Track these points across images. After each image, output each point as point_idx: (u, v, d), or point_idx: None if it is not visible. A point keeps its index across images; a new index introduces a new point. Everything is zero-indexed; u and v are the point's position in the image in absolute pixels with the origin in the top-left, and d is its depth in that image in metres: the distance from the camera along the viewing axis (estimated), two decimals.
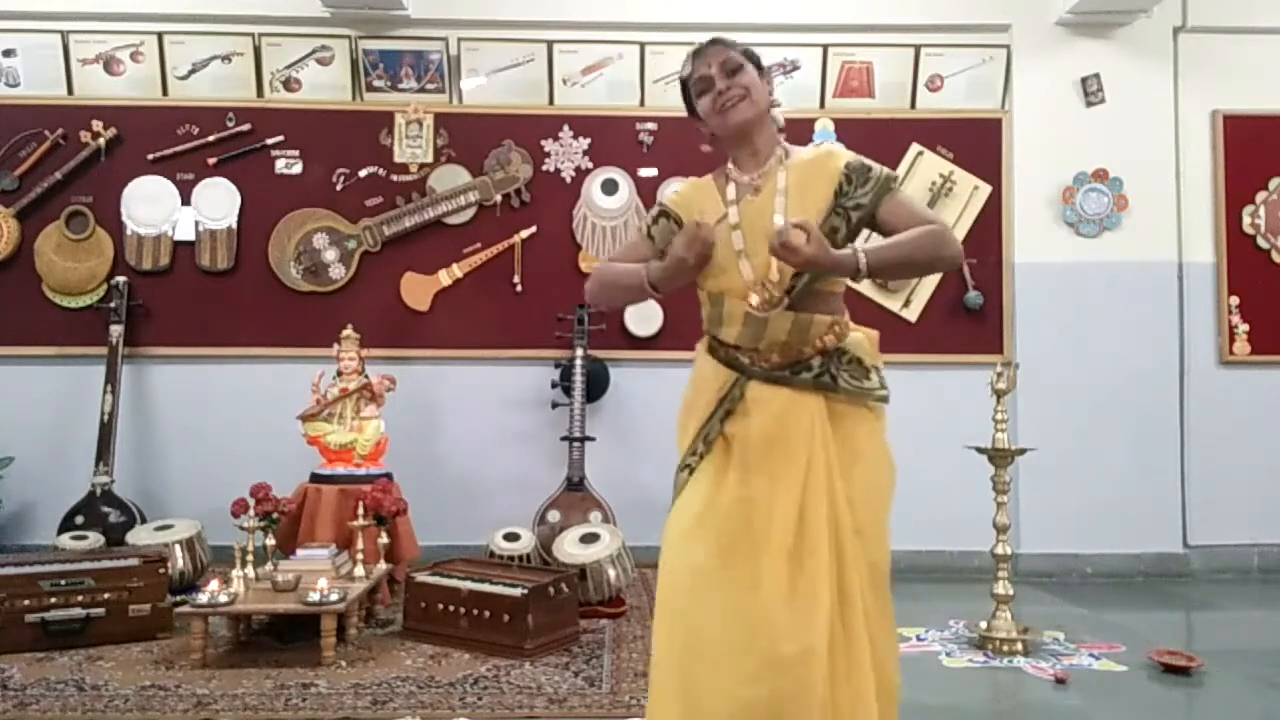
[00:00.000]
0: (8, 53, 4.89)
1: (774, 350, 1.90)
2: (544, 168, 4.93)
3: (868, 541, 1.86)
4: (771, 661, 1.73)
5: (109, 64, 4.90)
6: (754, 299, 1.88)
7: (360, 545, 3.63)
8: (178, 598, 3.63)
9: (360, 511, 3.71)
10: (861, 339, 2.01)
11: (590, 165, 4.93)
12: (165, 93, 4.90)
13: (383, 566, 3.75)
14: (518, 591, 3.35)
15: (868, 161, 1.97)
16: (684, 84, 2.03)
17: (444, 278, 4.90)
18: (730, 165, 2.01)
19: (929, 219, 1.90)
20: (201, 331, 4.86)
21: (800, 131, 4.93)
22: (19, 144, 4.84)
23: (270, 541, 3.64)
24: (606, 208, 4.90)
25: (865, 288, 4.91)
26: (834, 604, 1.78)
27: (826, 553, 1.80)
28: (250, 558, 3.49)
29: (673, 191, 2.11)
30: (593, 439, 4.54)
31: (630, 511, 4.46)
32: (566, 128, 4.93)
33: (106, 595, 3.43)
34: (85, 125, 4.84)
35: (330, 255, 4.88)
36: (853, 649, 1.79)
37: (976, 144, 4.96)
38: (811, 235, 1.74)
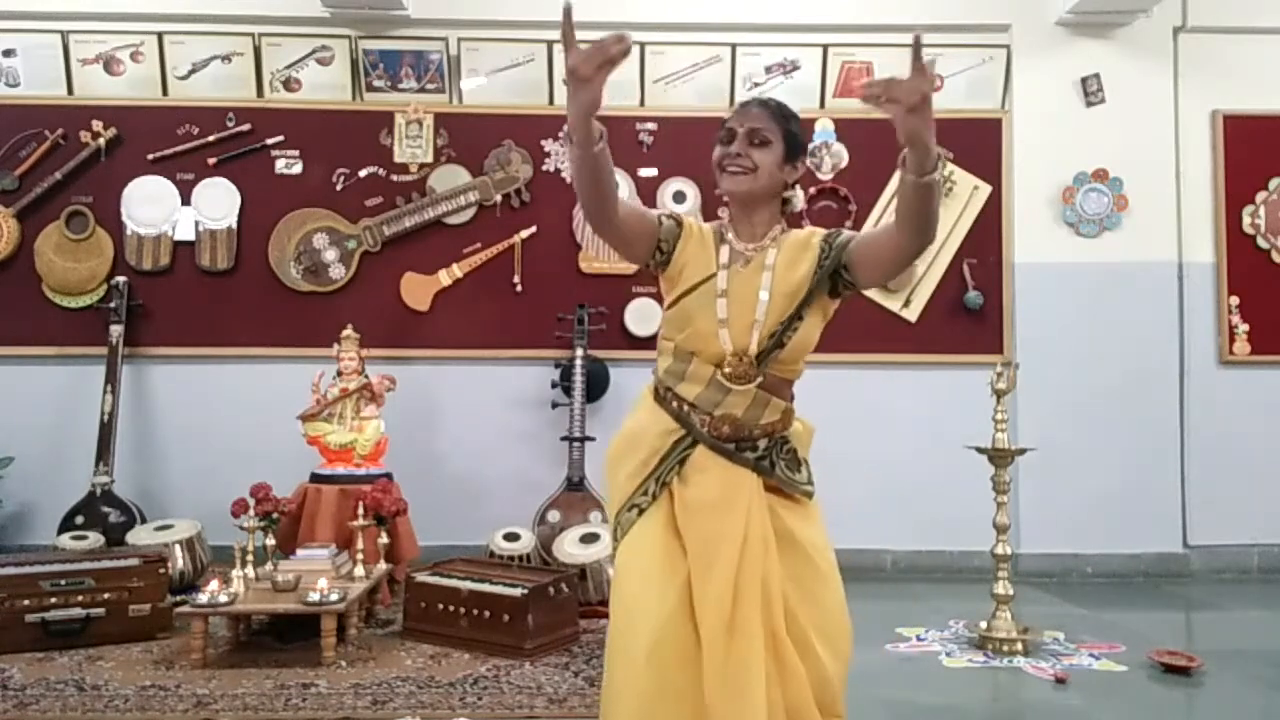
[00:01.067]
0: (8, 53, 4.89)
1: (726, 422, 1.88)
2: (544, 168, 4.93)
3: (833, 613, 1.86)
4: None
5: (109, 64, 4.90)
6: (729, 354, 1.88)
7: (360, 545, 3.63)
8: (178, 598, 3.63)
9: (360, 511, 3.71)
10: (800, 430, 1.98)
11: None
12: (165, 93, 4.90)
13: (383, 566, 3.75)
14: (518, 591, 3.35)
15: (841, 230, 1.96)
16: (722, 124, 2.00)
17: (444, 278, 4.90)
18: (729, 226, 1.97)
19: None
20: (201, 331, 4.86)
21: None
22: (19, 144, 4.84)
23: (270, 541, 3.64)
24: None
25: None
26: (774, 691, 1.76)
27: (759, 632, 1.78)
28: (250, 558, 3.49)
29: (688, 214, 2.08)
30: (593, 439, 4.54)
31: None
32: (566, 128, 4.92)
33: (106, 595, 3.44)
34: (85, 125, 4.84)
35: (330, 255, 4.88)
36: None
37: (976, 144, 4.97)
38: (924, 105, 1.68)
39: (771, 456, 1.90)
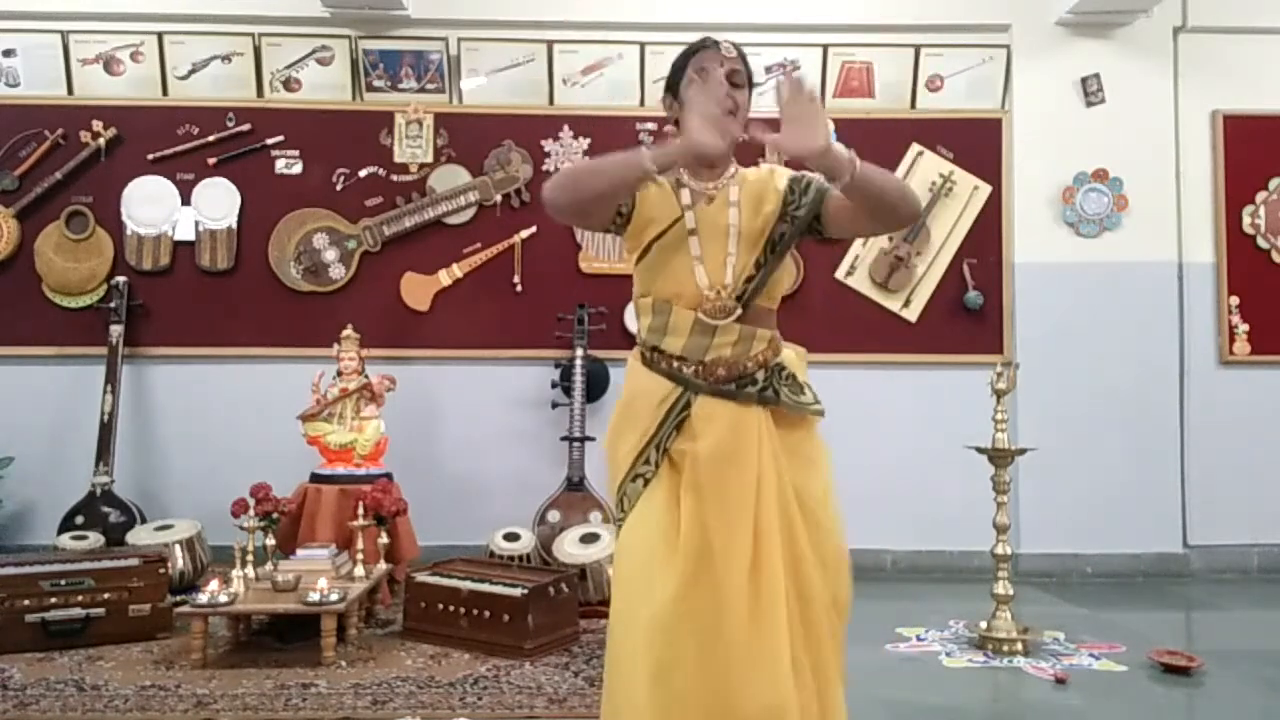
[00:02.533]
0: (8, 53, 4.89)
1: (719, 365, 1.89)
2: (544, 168, 4.93)
3: (834, 574, 1.88)
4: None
5: (109, 64, 4.90)
6: (706, 290, 1.89)
7: (360, 545, 3.63)
8: (178, 598, 3.63)
9: (360, 511, 3.71)
10: (793, 356, 2.00)
11: None
12: (165, 93, 4.90)
13: (383, 566, 3.75)
14: (518, 591, 3.35)
15: (808, 174, 1.97)
16: (683, 58, 1.97)
17: (444, 278, 4.90)
18: (683, 170, 1.96)
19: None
20: (201, 331, 4.85)
21: None
22: (19, 144, 4.84)
23: (270, 541, 3.64)
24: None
25: (866, 288, 4.92)
26: (798, 639, 1.79)
27: (782, 576, 1.80)
28: (250, 558, 3.49)
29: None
30: (593, 439, 4.54)
31: None
32: (566, 128, 4.93)
33: (106, 595, 3.44)
34: (85, 125, 4.84)
35: (330, 255, 4.88)
36: (824, 684, 1.81)
37: (976, 144, 4.96)
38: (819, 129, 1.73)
39: (773, 385, 1.91)
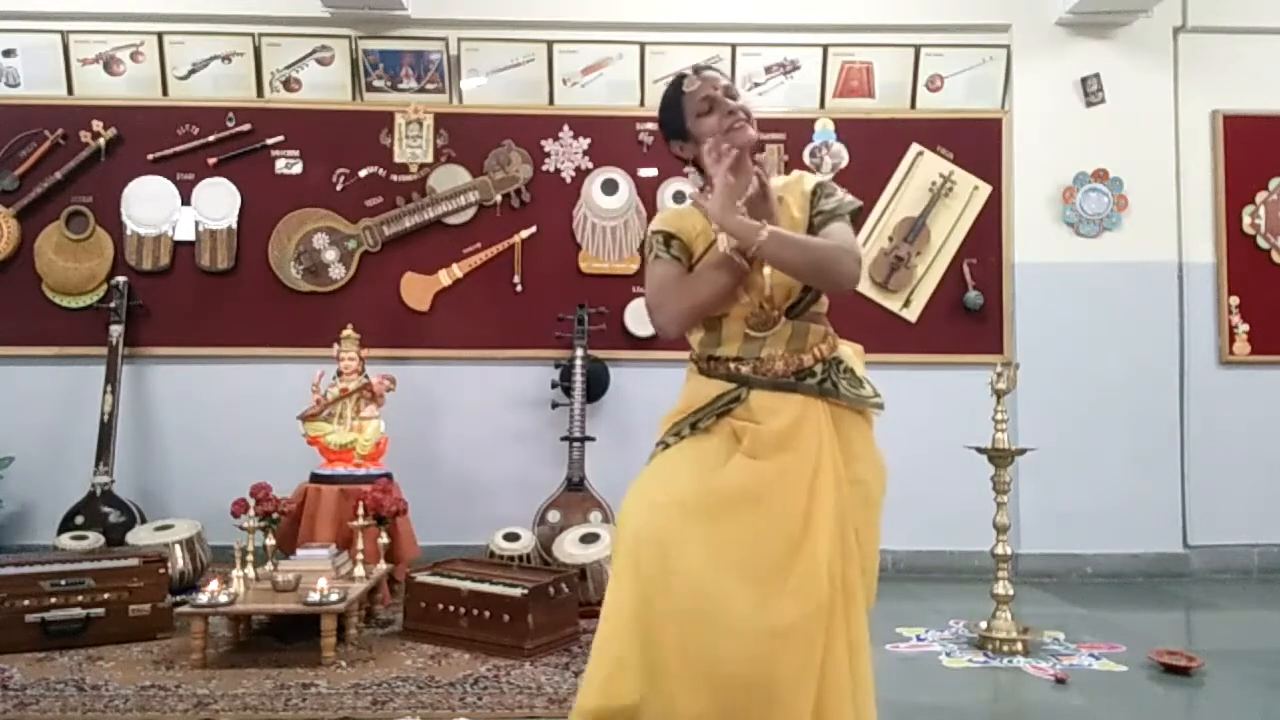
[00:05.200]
0: (8, 53, 4.89)
1: (776, 360, 1.94)
2: (544, 168, 4.93)
3: (869, 578, 1.97)
4: (773, 625, 1.78)
5: (109, 64, 4.90)
6: (748, 304, 1.94)
7: (360, 545, 3.63)
8: (178, 598, 3.63)
9: (360, 511, 3.71)
10: (850, 352, 2.05)
11: (590, 165, 4.93)
12: (165, 93, 4.90)
13: (383, 566, 3.75)
14: (518, 591, 3.35)
15: (825, 181, 2.07)
16: (675, 102, 2.01)
17: (444, 278, 4.90)
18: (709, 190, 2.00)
19: (849, 243, 1.96)
20: (201, 331, 4.85)
21: (800, 131, 4.93)
22: (19, 144, 4.84)
23: (270, 541, 3.64)
24: (606, 208, 4.90)
25: (866, 288, 4.92)
26: (839, 621, 1.83)
27: (826, 562, 1.83)
28: (250, 558, 3.49)
29: (660, 219, 2.08)
30: (593, 439, 4.54)
31: None
32: (566, 128, 4.93)
33: (106, 595, 3.43)
34: (85, 125, 4.84)
35: (330, 255, 4.88)
36: (859, 670, 1.88)
37: (976, 144, 4.96)
38: (752, 192, 1.87)
39: (831, 377, 1.96)
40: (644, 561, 1.80)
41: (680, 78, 2.03)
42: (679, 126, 2.02)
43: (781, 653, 1.76)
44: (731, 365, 1.97)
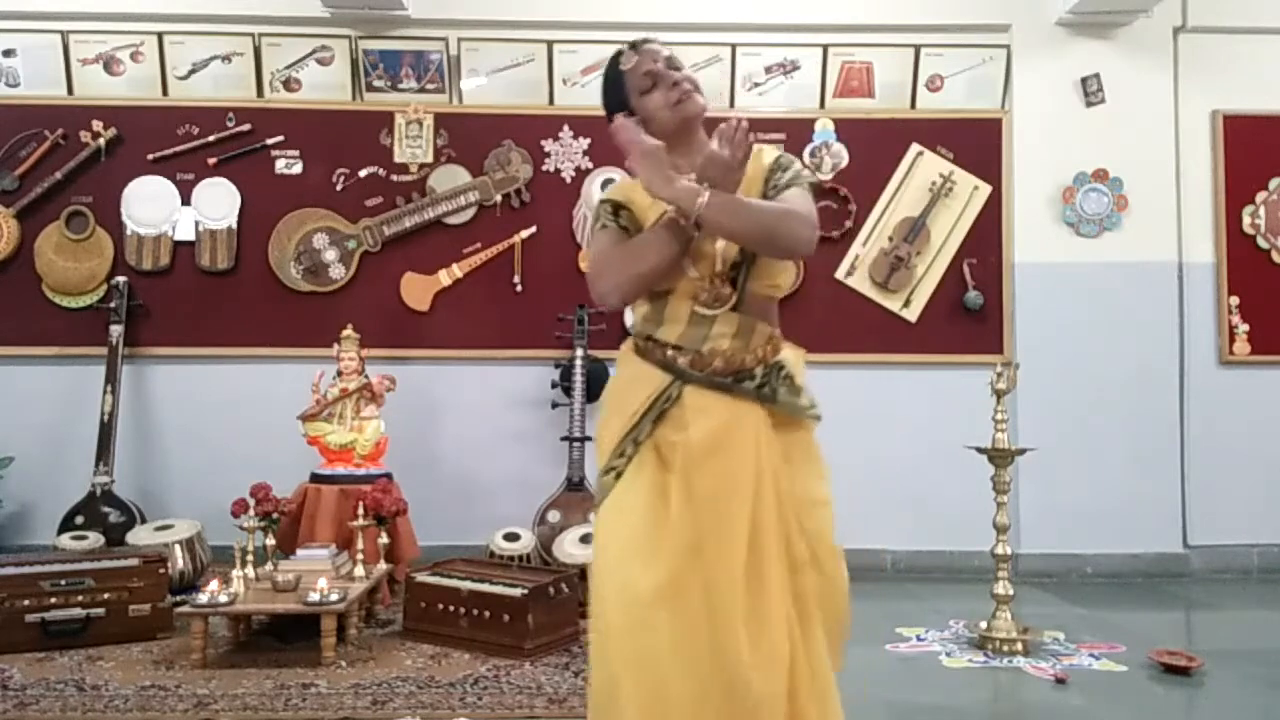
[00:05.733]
0: (8, 53, 4.89)
1: (717, 355, 1.82)
2: (544, 168, 4.93)
3: (830, 584, 1.81)
4: (733, 711, 1.67)
5: (109, 64, 4.90)
6: (696, 279, 1.83)
7: (360, 545, 3.63)
8: (178, 598, 3.63)
9: (360, 511, 3.71)
10: (793, 357, 1.93)
11: (590, 165, 4.92)
12: (165, 93, 4.90)
13: (383, 566, 3.75)
14: (518, 591, 3.35)
15: (792, 157, 1.96)
16: (615, 80, 1.95)
17: (444, 278, 4.90)
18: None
19: (803, 207, 1.82)
20: (201, 331, 4.85)
21: (800, 131, 4.93)
22: (19, 144, 4.84)
23: (270, 541, 3.64)
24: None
25: (866, 288, 4.92)
26: (796, 640, 1.73)
27: (778, 577, 1.73)
28: (250, 558, 3.49)
29: (611, 189, 1.98)
30: (592, 439, 4.53)
31: None
32: (566, 128, 4.93)
33: (106, 595, 3.43)
34: (85, 125, 4.84)
35: (330, 255, 4.88)
36: (820, 685, 1.75)
37: (976, 144, 4.96)
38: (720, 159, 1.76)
39: (771, 383, 1.84)
40: (635, 683, 1.70)
41: (617, 54, 1.95)
42: (622, 105, 1.94)
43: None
44: (669, 353, 1.84)
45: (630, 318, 1.97)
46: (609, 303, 1.85)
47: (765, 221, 1.76)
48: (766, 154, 1.94)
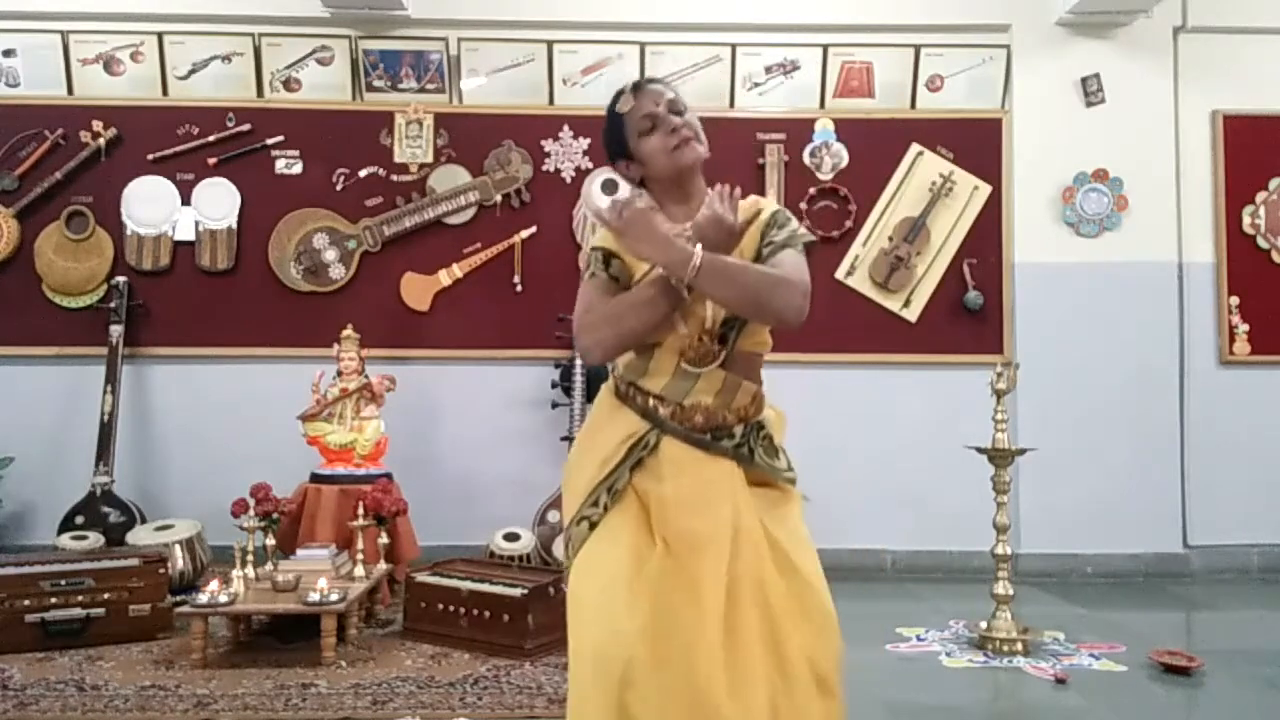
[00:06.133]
0: (8, 53, 4.89)
1: (698, 411, 1.79)
2: (544, 168, 4.93)
3: (818, 630, 1.73)
4: None
5: (109, 64, 4.90)
6: (684, 335, 1.79)
7: (360, 545, 3.63)
8: (178, 598, 3.62)
9: (360, 511, 3.71)
10: (773, 417, 1.90)
11: (590, 165, 4.92)
12: (165, 93, 4.90)
13: (383, 566, 3.75)
14: (518, 591, 3.35)
15: (789, 214, 1.91)
16: (615, 123, 1.92)
17: (444, 278, 4.90)
18: (660, 217, 1.84)
19: (794, 274, 1.77)
20: (201, 331, 4.85)
21: (800, 131, 4.93)
22: (19, 144, 4.84)
23: (270, 541, 3.64)
24: (607, 208, 4.89)
25: (866, 288, 4.92)
26: (778, 693, 1.67)
27: (757, 630, 1.68)
28: (250, 558, 3.49)
29: (603, 236, 1.90)
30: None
31: None
32: (566, 128, 4.93)
33: (106, 595, 3.43)
34: (85, 125, 4.84)
35: (330, 255, 4.88)
36: None
37: (976, 144, 4.96)
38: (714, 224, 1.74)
39: (749, 443, 1.81)
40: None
41: (617, 95, 1.91)
42: (621, 148, 1.92)
43: None
44: (650, 402, 1.80)
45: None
46: (591, 359, 1.82)
47: (758, 289, 1.72)
48: (764, 207, 1.89)
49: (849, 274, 4.94)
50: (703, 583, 1.68)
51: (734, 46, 4.90)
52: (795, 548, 1.77)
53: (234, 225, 4.87)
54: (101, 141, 4.83)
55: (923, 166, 4.95)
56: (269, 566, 3.56)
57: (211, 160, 4.87)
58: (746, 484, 1.79)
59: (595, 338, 1.77)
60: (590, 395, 4.59)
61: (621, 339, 1.77)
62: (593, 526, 1.77)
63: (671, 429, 1.79)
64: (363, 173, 4.91)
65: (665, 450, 1.78)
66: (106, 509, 4.43)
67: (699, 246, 1.70)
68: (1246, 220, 4.98)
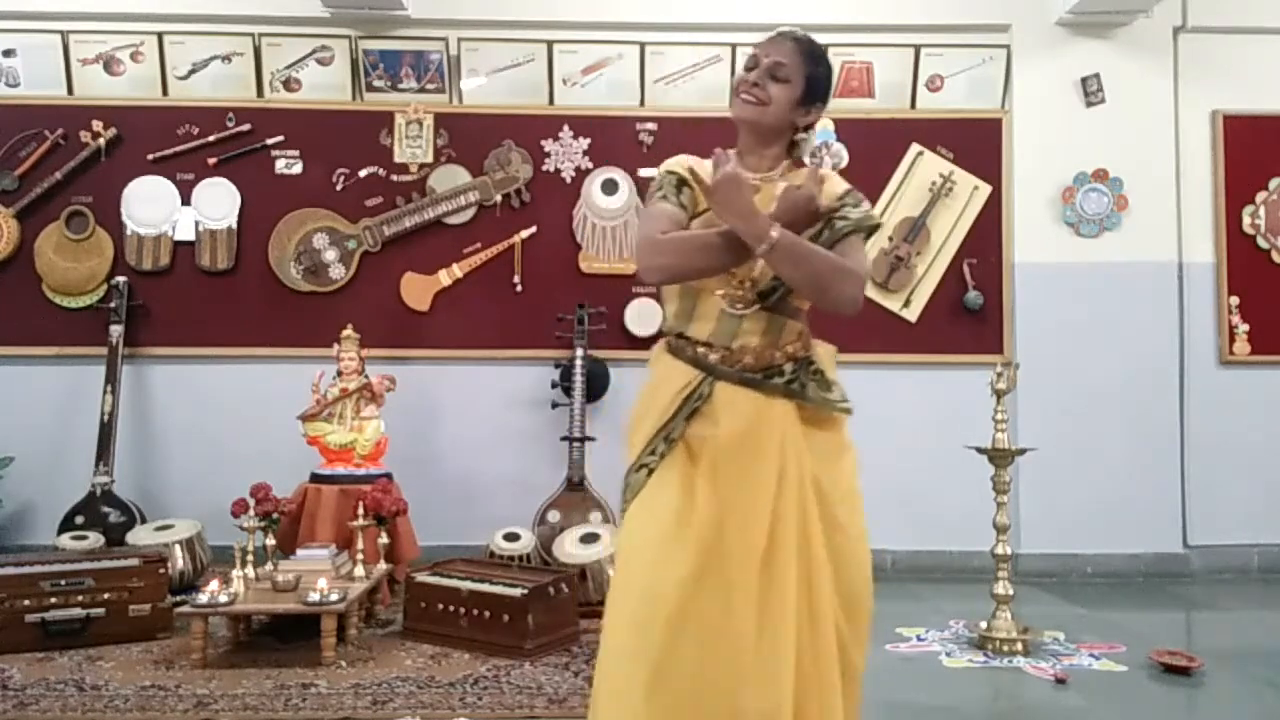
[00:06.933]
0: (8, 53, 4.89)
1: (747, 352, 1.86)
2: (544, 168, 4.93)
3: (851, 571, 1.83)
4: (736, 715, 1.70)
5: (109, 64, 4.90)
6: (721, 291, 1.86)
7: (360, 545, 3.63)
8: (178, 598, 3.63)
9: (360, 511, 3.71)
10: (824, 353, 1.97)
11: (590, 165, 4.92)
12: (165, 93, 4.90)
13: (383, 566, 3.75)
14: (518, 591, 3.35)
15: (855, 191, 1.97)
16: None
17: (444, 278, 4.90)
18: (736, 156, 1.96)
19: (858, 265, 1.89)
20: (201, 331, 4.85)
21: None
22: (19, 144, 4.84)
23: (270, 541, 3.64)
24: (606, 208, 4.90)
25: (865, 287, 4.90)
26: (804, 635, 1.74)
27: (795, 570, 1.76)
28: (250, 558, 3.49)
29: (678, 160, 1.97)
30: (593, 439, 4.54)
31: None
32: (566, 128, 4.93)
33: (106, 595, 3.43)
34: (85, 125, 4.84)
35: (330, 255, 4.88)
36: (823, 682, 1.76)
37: (976, 144, 4.96)
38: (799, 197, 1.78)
39: (800, 378, 1.88)
40: (649, 679, 1.72)
41: (780, 31, 2.03)
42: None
43: None
44: (700, 350, 1.88)
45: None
46: (649, 280, 1.92)
47: (824, 277, 1.80)
48: (834, 183, 1.95)
49: None
50: (746, 519, 1.76)
51: (734, 46, 4.90)
52: (842, 502, 1.86)
53: (234, 225, 4.87)
54: (101, 141, 4.83)
55: (923, 166, 4.95)
56: (269, 566, 3.56)
57: (211, 160, 4.87)
58: (800, 427, 1.85)
59: (660, 262, 1.85)
60: (590, 395, 4.64)
61: (682, 271, 1.86)
62: (650, 473, 1.85)
63: (723, 373, 1.86)
64: (363, 173, 4.91)
65: (719, 395, 1.85)
66: (106, 509, 4.43)
67: (776, 227, 1.75)
68: (1246, 220, 4.98)
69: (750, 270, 1.85)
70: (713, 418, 1.84)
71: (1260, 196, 4.99)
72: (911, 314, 4.93)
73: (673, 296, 1.94)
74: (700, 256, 1.82)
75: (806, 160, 2.01)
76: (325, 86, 4.92)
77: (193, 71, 4.91)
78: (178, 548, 4.05)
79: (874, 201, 4.92)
